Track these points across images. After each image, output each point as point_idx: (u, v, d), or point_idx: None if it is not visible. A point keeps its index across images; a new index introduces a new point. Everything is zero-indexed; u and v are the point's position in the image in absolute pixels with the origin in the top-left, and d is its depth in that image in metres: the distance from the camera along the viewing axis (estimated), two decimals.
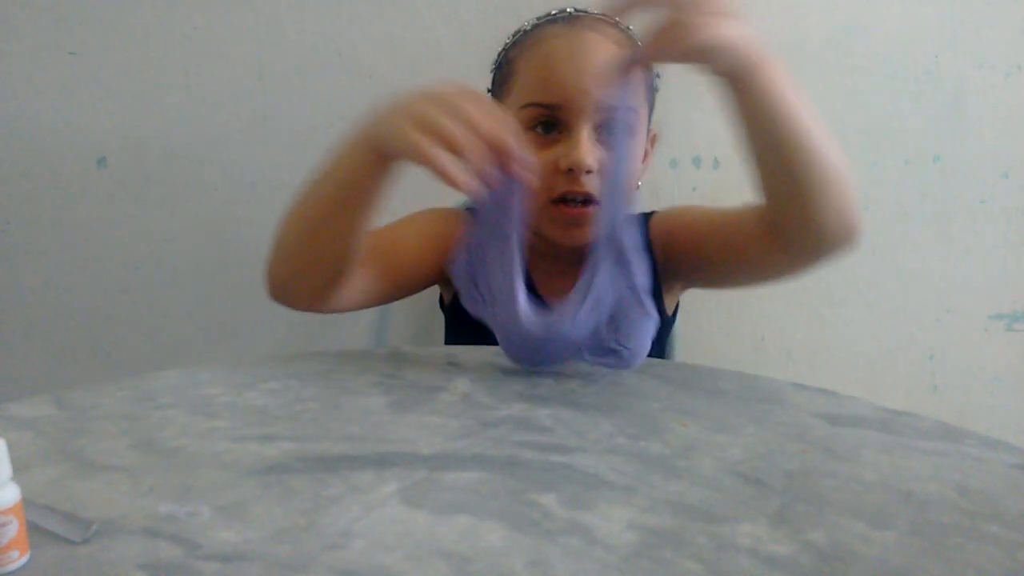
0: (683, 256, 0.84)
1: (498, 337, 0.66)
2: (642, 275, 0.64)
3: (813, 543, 0.40)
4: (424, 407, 0.59)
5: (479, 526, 0.42)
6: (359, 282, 0.75)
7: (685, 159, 1.18)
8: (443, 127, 0.57)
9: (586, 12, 0.81)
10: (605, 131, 0.73)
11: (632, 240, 0.63)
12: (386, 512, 0.43)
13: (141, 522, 0.42)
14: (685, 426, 0.56)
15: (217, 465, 0.49)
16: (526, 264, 0.65)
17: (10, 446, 0.39)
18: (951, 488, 0.47)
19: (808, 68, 1.14)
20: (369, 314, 1.12)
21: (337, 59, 1.11)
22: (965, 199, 1.20)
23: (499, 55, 0.84)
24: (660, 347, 0.92)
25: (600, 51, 0.76)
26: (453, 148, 0.56)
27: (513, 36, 0.83)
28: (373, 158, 0.65)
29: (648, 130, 0.84)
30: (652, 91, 0.83)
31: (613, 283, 0.63)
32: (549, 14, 0.82)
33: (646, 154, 0.84)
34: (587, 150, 0.74)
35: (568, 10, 0.82)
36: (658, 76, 0.84)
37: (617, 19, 0.82)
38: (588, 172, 0.74)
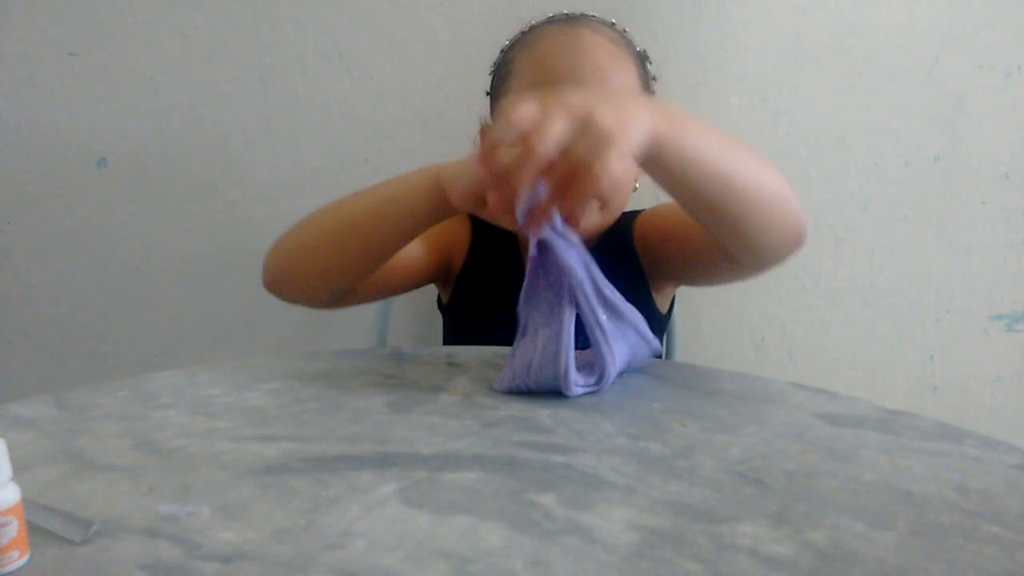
0: (658, 256, 0.85)
1: (514, 370, 0.62)
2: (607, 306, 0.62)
3: (813, 543, 0.40)
4: (424, 407, 0.59)
5: (479, 526, 0.42)
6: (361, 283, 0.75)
7: None
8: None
9: (583, 14, 0.82)
10: None
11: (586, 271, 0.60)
12: (386, 512, 0.43)
13: (141, 522, 0.42)
14: (685, 426, 0.56)
15: (217, 465, 0.49)
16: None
17: (10, 446, 0.39)
18: (951, 488, 0.47)
19: (808, 68, 1.14)
20: (369, 314, 1.13)
21: (337, 59, 1.11)
22: (965, 199, 1.20)
23: (497, 58, 0.85)
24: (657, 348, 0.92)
25: (595, 49, 0.76)
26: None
27: (511, 39, 0.84)
28: (438, 197, 0.67)
29: None
30: (649, 93, 0.83)
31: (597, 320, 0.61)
32: (547, 17, 0.82)
33: None
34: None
35: (565, 12, 0.82)
36: (654, 79, 0.84)
37: (613, 21, 0.82)
38: None
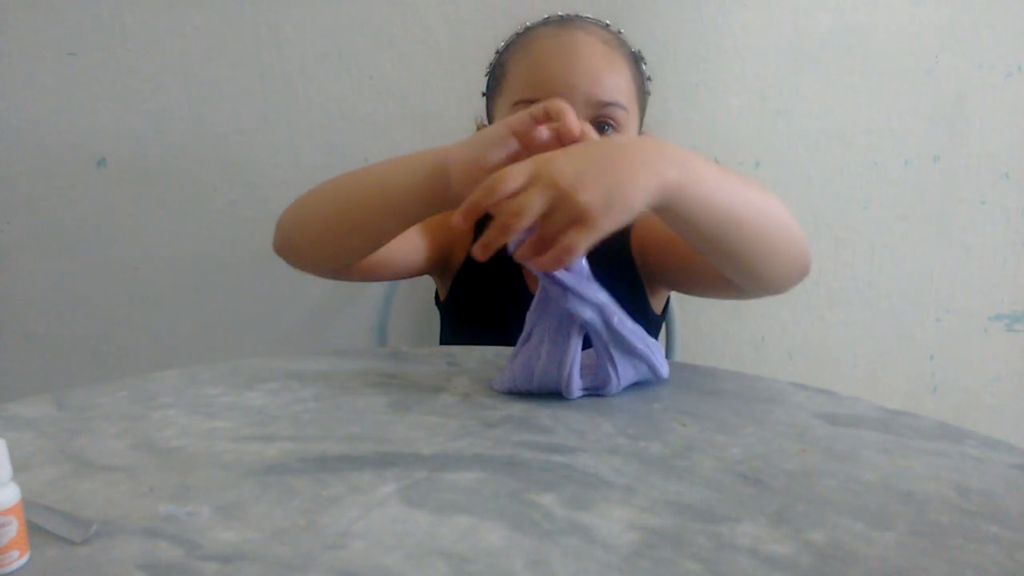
0: (656, 269, 0.85)
1: (514, 372, 0.62)
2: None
3: (813, 543, 0.40)
4: (424, 407, 0.59)
5: (479, 526, 0.42)
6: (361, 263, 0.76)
7: None
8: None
9: (577, 15, 0.82)
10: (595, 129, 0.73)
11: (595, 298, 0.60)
12: (386, 512, 0.43)
13: (141, 522, 0.42)
14: (685, 426, 0.56)
15: (217, 465, 0.49)
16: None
17: (10, 446, 0.39)
18: (951, 488, 0.47)
19: (808, 68, 1.14)
20: (369, 314, 1.13)
21: (337, 59, 1.11)
22: (965, 199, 1.20)
23: (493, 59, 0.85)
24: None
25: (589, 51, 0.76)
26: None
27: (506, 41, 0.84)
28: (435, 192, 0.66)
29: (640, 131, 0.84)
30: (644, 94, 0.83)
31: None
32: (542, 18, 0.83)
33: None
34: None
35: (559, 14, 0.82)
36: (649, 79, 0.85)
37: (608, 22, 0.82)
38: None
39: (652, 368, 0.63)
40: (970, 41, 1.14)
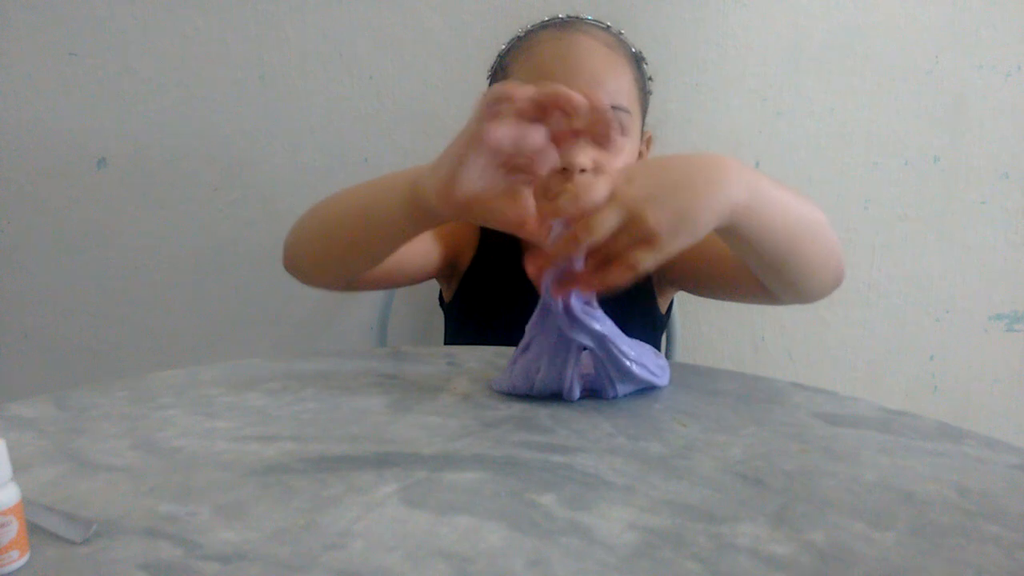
0: (676, 271, 0.85)
1: (513, 378, 0.62)
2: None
3: (813, 543, 0.40)
4: (424, 407, 0.59)
5: (479, 526, 0.42)
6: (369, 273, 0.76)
7: None
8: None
9: (577, 17, 0.82)
10: None
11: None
12: (386, 512, 0.43)
13: (141, 522, 0.42)
14: (685, 426, 0.56)
15: (217, 465, 0.49)
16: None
17: (10, 446, 0.39)
18: (951, 488, 0.47)
19: (808, 68, 1.14)
20: (369, 314, 1.13)
21: (337, 59, 1.11)
22: (965, 199, 1.19)
23: (494, 63, 0.85)
24: (655, 345, 0.93)
25: (590, 54, 0.76)
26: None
27: (508, 43, 0.84)
28: (416, 213, 0.63)
29: (642, 132, 0.84)
30: (645, 95, 0.83)
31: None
32: (542, 21, 0.82)
33: (640, 156, 0.85)
34: (580, 148, 0.74)
35: (560, 16, 0.82)
36: (650, 79, 0.85)
37: (608, 24, 0.82)
38: (582, 171, 0.75)
39: (652, 384, 0.63)
40: (970, 41, 1.14)
